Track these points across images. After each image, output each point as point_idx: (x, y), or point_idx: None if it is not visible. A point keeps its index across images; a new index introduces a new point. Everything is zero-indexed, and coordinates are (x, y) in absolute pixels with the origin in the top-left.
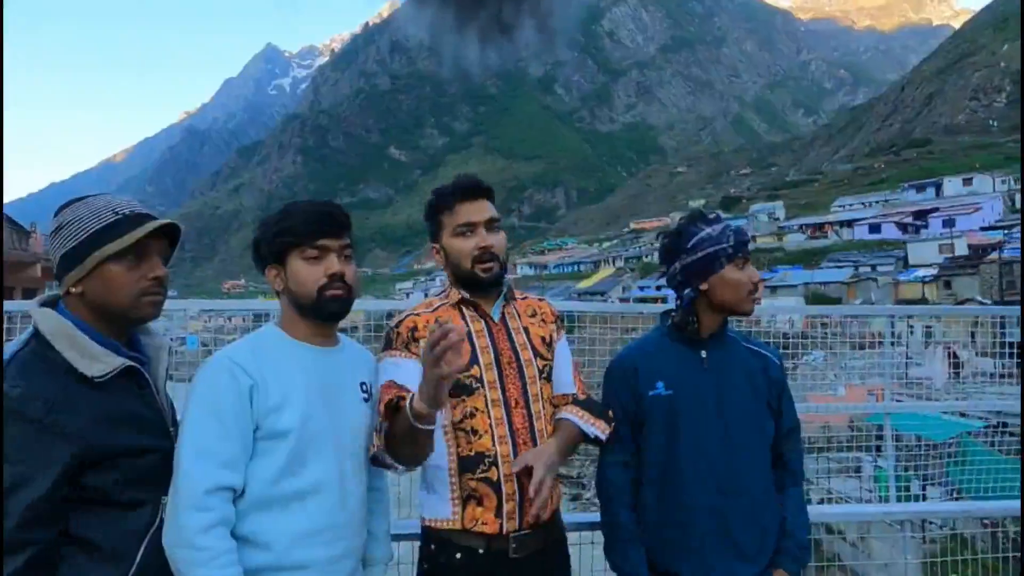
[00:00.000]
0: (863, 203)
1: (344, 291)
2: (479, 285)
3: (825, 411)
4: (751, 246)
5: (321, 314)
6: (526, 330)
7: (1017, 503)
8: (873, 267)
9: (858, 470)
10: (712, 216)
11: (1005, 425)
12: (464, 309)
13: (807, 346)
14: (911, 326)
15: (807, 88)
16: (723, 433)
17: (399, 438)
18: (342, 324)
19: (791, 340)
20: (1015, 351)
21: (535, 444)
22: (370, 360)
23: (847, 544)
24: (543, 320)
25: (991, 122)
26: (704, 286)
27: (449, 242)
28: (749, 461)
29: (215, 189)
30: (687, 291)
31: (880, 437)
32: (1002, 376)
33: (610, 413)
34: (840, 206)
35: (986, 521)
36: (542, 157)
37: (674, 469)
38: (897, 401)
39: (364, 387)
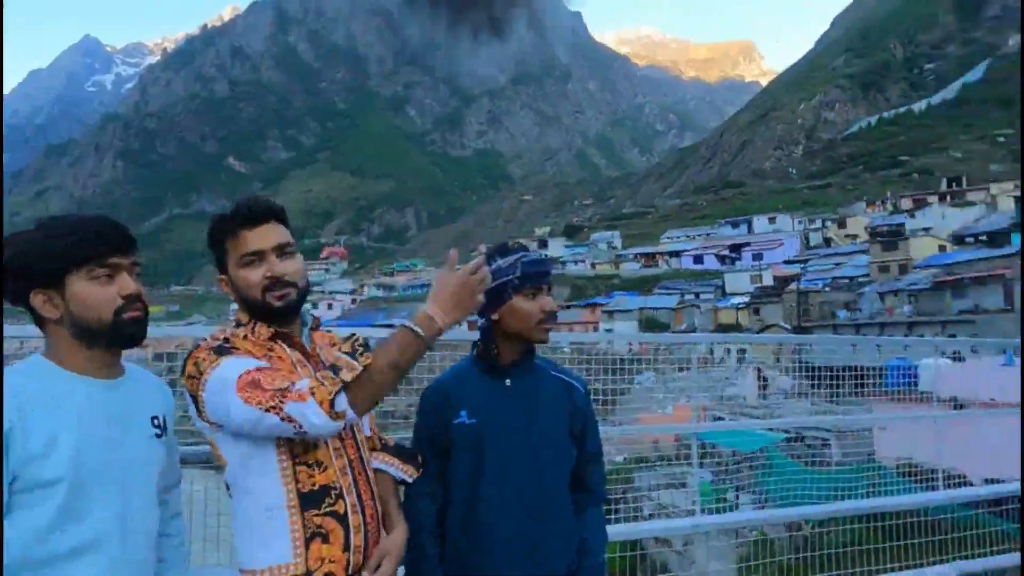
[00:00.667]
0: (688, 235)
1: (142, 312)
2: (276, 314)
3: (648, 431)
4: (592, 272)
5: (119, 339)
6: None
7: (811, 508)
8: (697, 294)
9: (683, 484)
10: (514, 246)
11: (802, 438)
12: (278, 342)
13: (640, 369)
14: (728, 350)
15: (642, 129)
16: (531, 459)
17: (388, 377)
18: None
19: (626, 362)
20: (811, 372)
21: (366, 474)
22: (164, 391)
23: (673, 553)
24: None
25: (791, 170)
26: (496, 316)
27: (236, 272)
28: (557, 486)
29: (15, 192)
30: (482, 321)
31: (703, 453)
32: (799, 394)
33: (419, 457)
34: (669, 238)
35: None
36: (392, 177)
37: (480, 497)
38: (717, 418)
39: (156, 422)
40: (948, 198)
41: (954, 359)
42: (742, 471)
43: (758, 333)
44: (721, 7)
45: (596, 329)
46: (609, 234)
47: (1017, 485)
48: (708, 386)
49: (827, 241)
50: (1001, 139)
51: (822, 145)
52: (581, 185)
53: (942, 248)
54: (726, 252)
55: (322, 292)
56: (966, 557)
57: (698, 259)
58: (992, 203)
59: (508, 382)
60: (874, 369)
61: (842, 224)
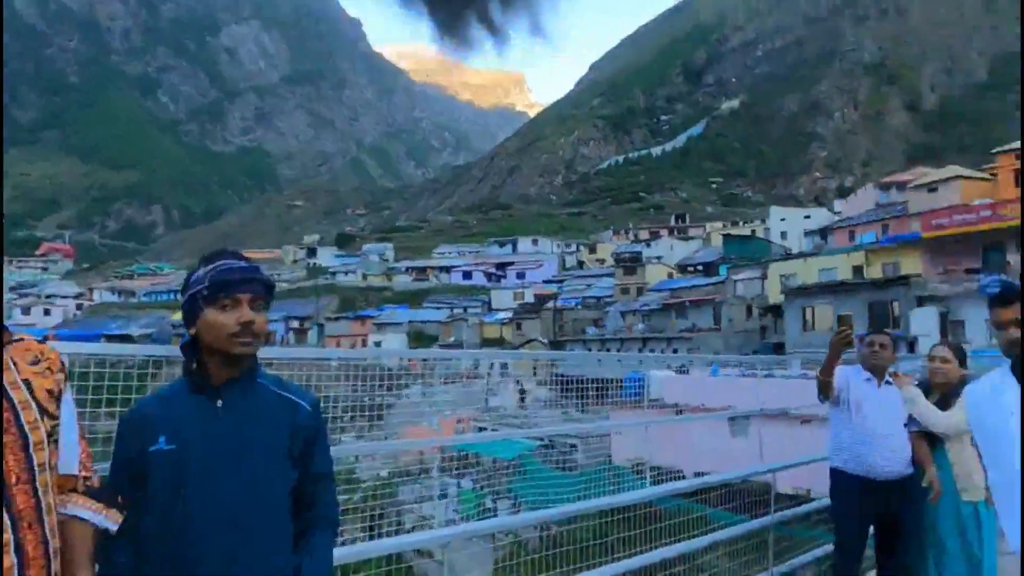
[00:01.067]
0: (459, 252)
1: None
2: None
3: (410, 446)
4: (363, 284)
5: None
6: (27, 383)
7: (558, 509)
8: (465, 309)
9: (444, 495)
10: (213, 255)
11: (552, 444)
12: None
13: (408, 382)
14: (492, 363)
15: (419, 143)
16: (241, 485)
17: None
18: None
19: (395, 376)
20: (564, 383)
21: (43, 528)
22: None
23: (434, 563)
24: (49, 368)
25: (552, 197)
26: (193, 330)
27: None
28: (272, 512)
29: None
30: (184, 335)
31: (466, 462)
32: (553, 403)
33: (120, 499)
34: (441, 253)
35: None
36: (137, 167)
37: (182, 530)
38: (479, 428)
39: None
40: (675, 232)
41: (679, 371)
42: (501, 478)
43: (519, 347)
44: (497, 39)
45: (365, 342)
46: (382, 246)
47: (717, 476)
48: (472, 398)
49: (580, 264)
50: (714, 185)
51: (579, 177)
52: (355, 193)
53: (670, 275)
54: (493, 270)
55: (37, 296)
56: (686, 539)
57: (467, 275)
58: (707, 239)
59: (220, 402)
60: (614, 381)
61: (593, 249)
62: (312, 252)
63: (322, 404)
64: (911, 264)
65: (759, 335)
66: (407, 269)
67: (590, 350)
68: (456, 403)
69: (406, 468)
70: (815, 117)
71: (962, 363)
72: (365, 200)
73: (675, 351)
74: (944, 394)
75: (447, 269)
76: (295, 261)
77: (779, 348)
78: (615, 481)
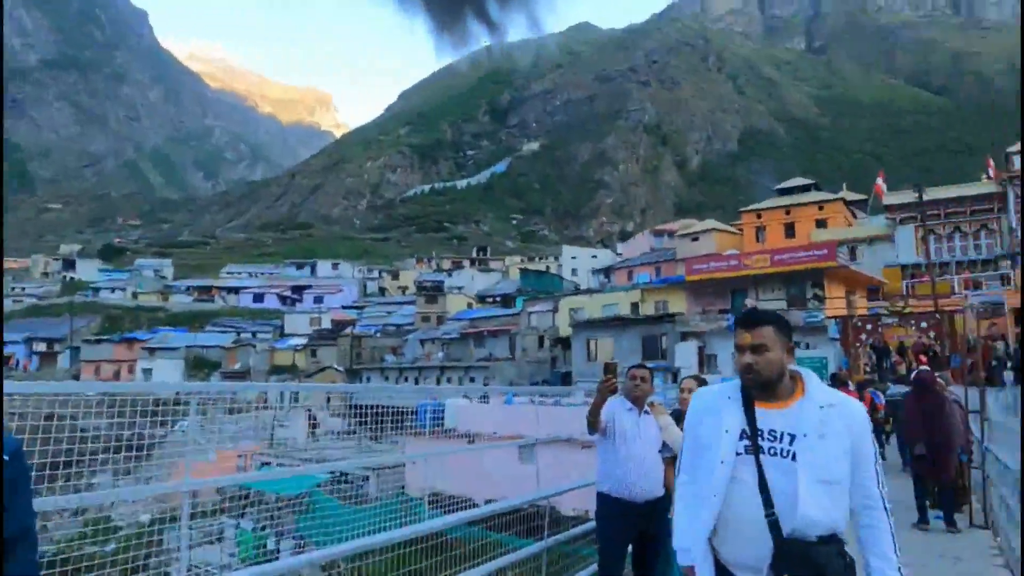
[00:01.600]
0: (250, 272)
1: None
2: None
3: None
4: (133, 303)
5: None
6: None
7: (342, 546)
8: (254, 334)
9: (221, 537)
10: None
11: (345, 477)
12: None
13: (184, 412)
14: (281, 392)
15: (210, 152)
16: None
17: None
18: None
19: (168, 406)
20: (359, 413)
21: None
22: None
23: None
24: None
25: (356, 220)
26: None
27: None
28: None
29: None
30: None
31: (247, 501)
32: (347, 433)
33: None
34: (229, 272)
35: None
36: None
37: None
38: (263, 463)
39: None
40: (477, 263)
41: (481, 400)
42: (286, 516)
43: (313, 374)
44: (303, 54)
45: (132, 369)
46: (159, 261)
47: (501, 504)
48: (258, 429)
49: (382, 290)
50: (514, 221)
51: (384, 202)
52: (129, 201)
53: (470, 304)
54: (288, 293)
55: None
56: (473, 566)
57: (259, 297)
58: (506, 272)
59: None
60: (410, 410)
61: (396, 276)
62: (70, 264)
63: (72, 439)
64: (677, 303)
65: (550, 365)
66: (188, 288)
67: (387, 379)
68: (239, 436)
69: (172, 511)
70: (604, 166)
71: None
72: (141, 210)
73: (472, 380)
74: None
75: (236, 290)
76: (46, 274)
77: (567, 377)
78: (408, 512)
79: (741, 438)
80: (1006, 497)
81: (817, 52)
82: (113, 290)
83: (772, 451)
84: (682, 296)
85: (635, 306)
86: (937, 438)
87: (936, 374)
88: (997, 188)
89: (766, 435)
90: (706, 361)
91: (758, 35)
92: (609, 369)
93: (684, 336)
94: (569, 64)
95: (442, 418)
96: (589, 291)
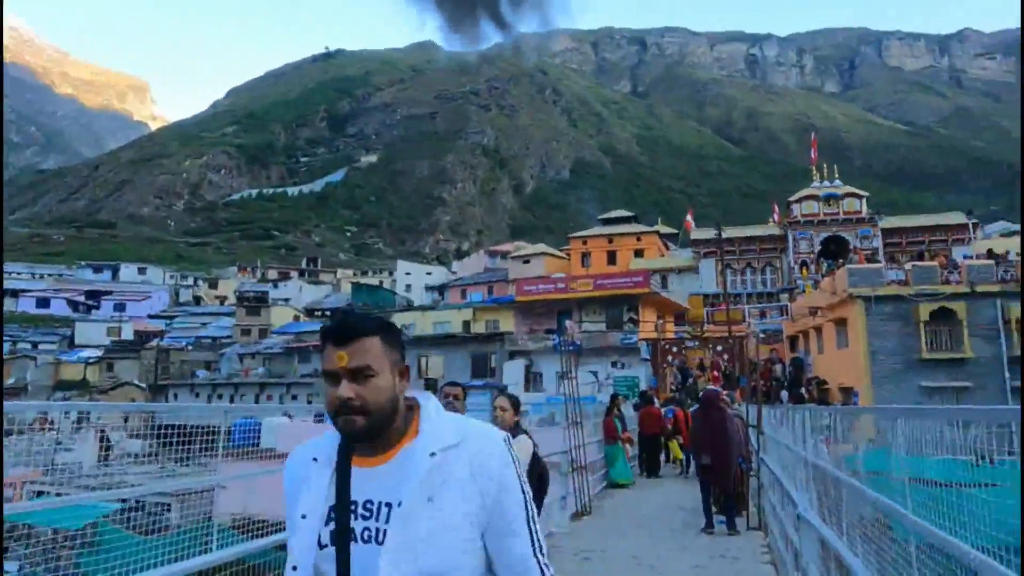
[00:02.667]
0: (34, 274)
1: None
2: None
3: None
4: None
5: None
6: None
7: None
8: (35, 344)
9: None
10: None
11: (140, 506)
12: None
13: None
14: (67, 412)
15: None
16: None
17: None
18: None
19: None
20: (162, 433)
21: None
22: None
23: None
24: None
25: (170, 222)
26: None
27: None
28: None
29: None
30: None
31: (18, 540)
32: (148, 456)
33: None
34: (9, 273)
35: None
36: None
37: None
38: (38, 493)
39: None
40: (306, 275)
41: (317, 420)
42: (63, 554)
43: (108, 391)
44: (120, 34)
45: None
46: None
47: None
48: (35, 454)
49: (197, 299)
50: (348, 233)
51: (204, 204)
52: None
53: (296, 318)
54: (81, 299)
55: None
56: None
57: (43, 302)
58: (337, 284)
59: None
60: (223, 429)
61: (214, 285)
62: None
63: None
64: (507, 323)
65: None
66: None
67: (198, 396)
68: (7, 463)
69: None
70: (442, 184)
71: (516, 411)
72: None
73: (295, 397)
74: None
75: (15, 293)
76: None
77: None
78: (210, 539)
79: (327, 521)
80: (774, 502)
81: (640, 96)
82: None
83: (366, 535)
84: (512, 316)
85: (467, 324)
86: (719, 449)
87: (724, 392)
88: (780, 231)
89: (360, 511)
90: (532, 379)
91: (590, 74)
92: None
93: (512, 355)
94: (412, 80)
95: (258, 437)
96: (422, 308)
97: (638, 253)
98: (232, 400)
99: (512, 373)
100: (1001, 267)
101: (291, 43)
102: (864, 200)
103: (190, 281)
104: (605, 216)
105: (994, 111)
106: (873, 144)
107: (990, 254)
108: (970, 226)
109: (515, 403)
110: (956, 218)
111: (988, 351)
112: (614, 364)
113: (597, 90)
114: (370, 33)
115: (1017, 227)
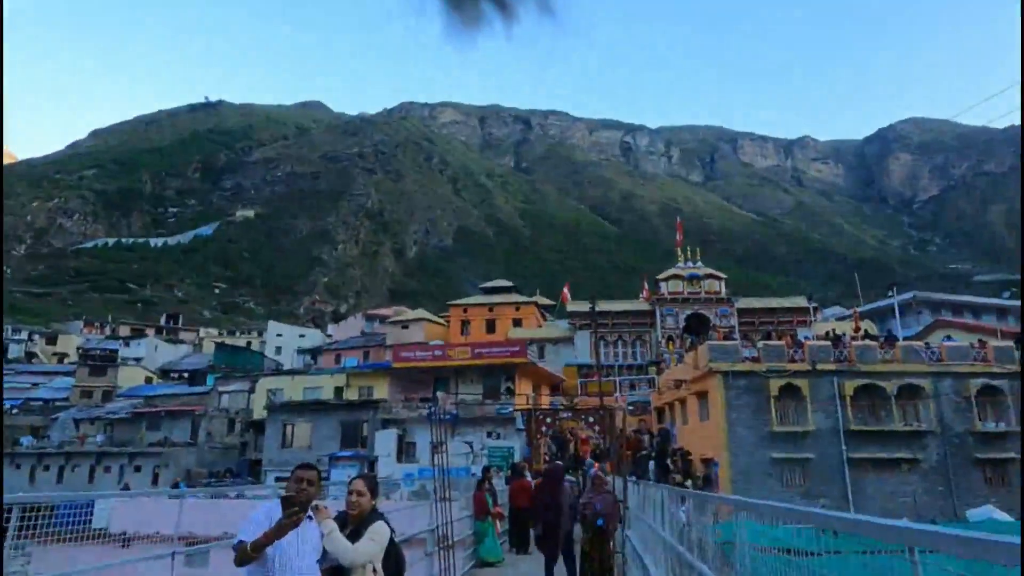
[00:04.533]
0: None
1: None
2: None
3: None
4: None
5: None
6: None
7: None
8: None
9: None
10: None
11: None
12: None
13: None
14: None
15: None
16: None
17: None
18: None
19: None
20: None
21: None
22: None
23: None
24: None
25: (7, 269)
26: None
27: None
28: None
29: None
30: None
31: None
32: None
33: None
34: None
35: None
36: None
37: None
38: None
39: None
40: (164, 332)
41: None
42: None
43: None
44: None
45: None
46: None
47: None
48: None
49: (29, 356)
50: (216, 290)
51: (51, 251)
52: None
53: (149, 379)
54: None
55: None
56: None
57: None
58: (199, 344)
59: None
60: (45, 508)
61: (53, 340)
62: None
63: None
64: (382, 389)
65: (239, 451)
66: None
67: (19, 467)
68: None
69: None
70: (322, 244)
71: (373, 494)
72: None
73: (138, 469)
74: (357, 526)
75: None
76: None
77: (256, 465)
78: None
79: None
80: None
81: (524, 171)
82: None
83: None
84: (387, 382)
85: (340, 390)
86: (550, 520)
87: (597, 465)
88: (649, 307)
89: None
90: (405, 449)
91: (476, 146)
92: (290, 503)
93: (385, 423)
94: (297, 138)
95: (90, 516)
96: (292, 372)
97: (517, 323)
98: (61, 472)
99: (384, 443)
100: (837, 348)
101: (168, 89)
102: (723, 282)
103: (23, 335)
104: (486, 285)
105: (827, 208)
106: (730, 230)
107: (827, 336)
108: (811, 309)
109: (372, 486)
110: (799, 302)
111: (827, 423)
112: (489, 434)
113: (482, 162)
114: (254, 87)
115: (847, 312)
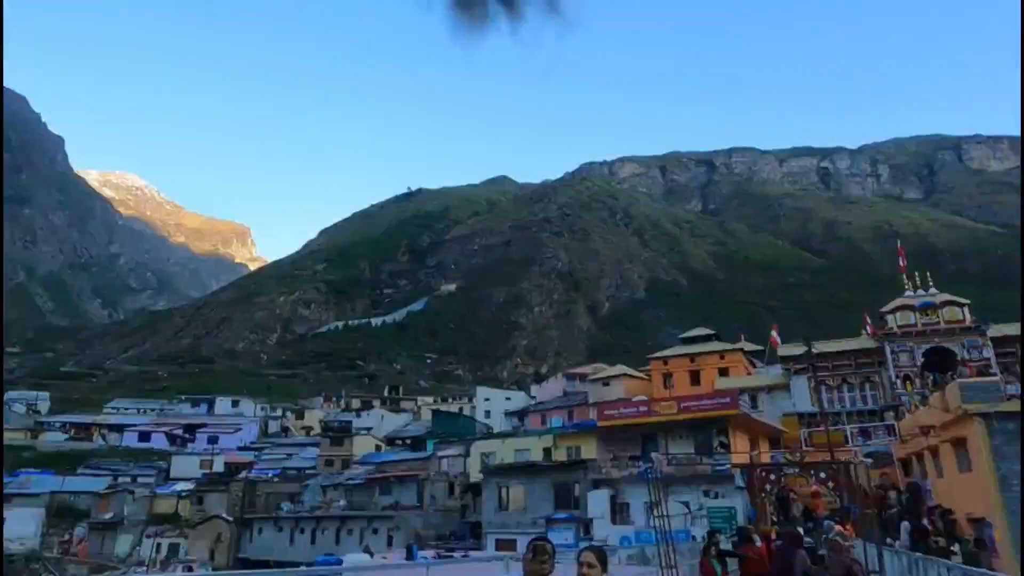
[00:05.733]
0: (139, 408)
1: None
2: None
3: None
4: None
5: None
6: None
7: None
8: (134, 478)
9: None
10: None
11: None
12: None
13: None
14: (159, 544)
15: (112, 280)
16: None
17: None
18: None
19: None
20: (247, 568)
21: None
22: None
23: None
24: None
25: (263, 355)
26: None
27: None
28: None
29: None
30: None
31: None
32: None
33: None
34: (115, 408)
35: None
36: None
37: None
38: None
39: None
40: (387, 403)
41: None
42: None
43: (197, 525)
44: (227, 185)
45: None
46: (34, 394)
47: None
48: None
49: (284, 430)
50: (428, 360)
51: (295, 338)
52: (10, 328)
53: (378, 447)
54: (179, 432)
55: None
56: None
57: (144, 436)
58: (418, 412)
59: None
60: (305, 564)
61: (301, 415)
62: None
63: None
64: (589, 448)
65: (460, 514)
66: (63, 425)
67: (281, 530)
68: None
69: None
70: (518, 309)
71: (604, 566)
72: (22, 337)
73: (375, 531)
74: None
75: (119, 428)
76: None
77: (476, 528)
78: None
79: None
80: None
81: (712, 214)
82: None
83: None
84: (594, 442)
85: (547, 451)
86: None
87: (837, 526)
88: (875, 344)
89: None
90: (619, 510)
91: (659, 196)
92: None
93: (596, 483)
94: (487, 213)
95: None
96: (502, 435)
97: (723, 372)
98: (314, 534)
99: (597, 504)
100: None
101: (377, 185)
102: (965, 308)
103: (278, 412)
104: (686, 335)
105: None
106: (962, 247)
107: None
108: None
109: (603, 558)
110: None
111: None
112: (706, 493)
113: (667, 211)
114: (448, 172)
115: None
